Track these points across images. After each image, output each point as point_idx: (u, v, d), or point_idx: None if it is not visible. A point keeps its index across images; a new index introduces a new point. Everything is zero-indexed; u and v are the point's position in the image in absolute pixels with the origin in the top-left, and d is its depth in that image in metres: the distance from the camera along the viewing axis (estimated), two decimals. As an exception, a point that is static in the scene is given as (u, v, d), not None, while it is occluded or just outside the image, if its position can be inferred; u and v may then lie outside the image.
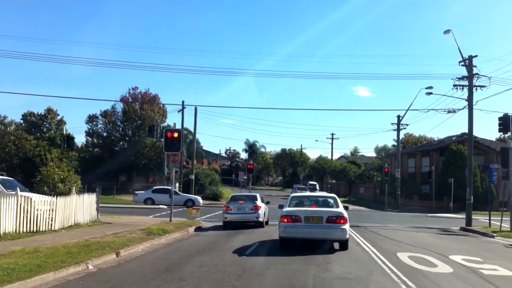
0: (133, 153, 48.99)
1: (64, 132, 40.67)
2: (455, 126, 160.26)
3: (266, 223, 21.23)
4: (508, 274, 9.99)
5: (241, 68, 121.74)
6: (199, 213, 23.72)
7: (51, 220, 15.37)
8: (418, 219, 31.16)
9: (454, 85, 27.20)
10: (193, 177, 43.14)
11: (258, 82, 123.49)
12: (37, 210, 14.75)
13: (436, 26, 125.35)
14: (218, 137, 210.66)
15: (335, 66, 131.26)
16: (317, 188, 63.04)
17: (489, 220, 24.23)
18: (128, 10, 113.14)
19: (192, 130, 45.87)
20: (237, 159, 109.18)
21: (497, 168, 25.42)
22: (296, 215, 12.90)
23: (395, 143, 55.39)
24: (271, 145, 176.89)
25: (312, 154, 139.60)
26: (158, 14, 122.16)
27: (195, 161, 47.82)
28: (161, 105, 52.70)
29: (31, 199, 14.69)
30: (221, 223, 20.92)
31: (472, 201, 26.22)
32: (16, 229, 13.80)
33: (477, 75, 26.45)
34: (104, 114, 50.76)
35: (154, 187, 38.14)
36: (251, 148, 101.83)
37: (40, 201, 15.19)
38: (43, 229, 14.93)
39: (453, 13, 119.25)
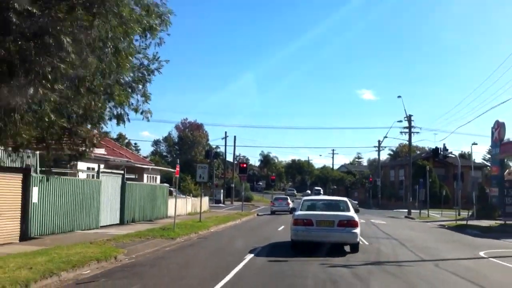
0: (185, 167, 67.66)
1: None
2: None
3: (293, 212, 39.68)
4: (382, 222, 28.40)
5: (241, 68, 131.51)
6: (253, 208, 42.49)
7: (198, 208, 33.97)
8: (385, 212, 48.98)
9: (400, 132, 45.92)
10: (233, 185, 61.85)
11: (259, 83, 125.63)
12: (193, 203, 33.37)
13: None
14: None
15: (336, 67, 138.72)
16: (321, 192, 78.04)
17: (419, 211, 42.38)
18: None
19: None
20: (252, 168, 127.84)
21: (422, 181, 43.76)
22: (308, 218, 13.22)
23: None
24: (283, 156, 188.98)
25: (318, 161, 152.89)
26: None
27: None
28: (205, 131, 71.73)
29: (190, 198, 33.30)
30: (267, 213, 39.37)
31: (411, 200, 44.66)
32: (189, 211, 32.35)
33: (413, 127, 45.02)
34: (165, 139, 69.63)
35: None
36: (265, 158, 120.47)
37: (193, 199, 33.83)
38: (196, 212, 33.43)
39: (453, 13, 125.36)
